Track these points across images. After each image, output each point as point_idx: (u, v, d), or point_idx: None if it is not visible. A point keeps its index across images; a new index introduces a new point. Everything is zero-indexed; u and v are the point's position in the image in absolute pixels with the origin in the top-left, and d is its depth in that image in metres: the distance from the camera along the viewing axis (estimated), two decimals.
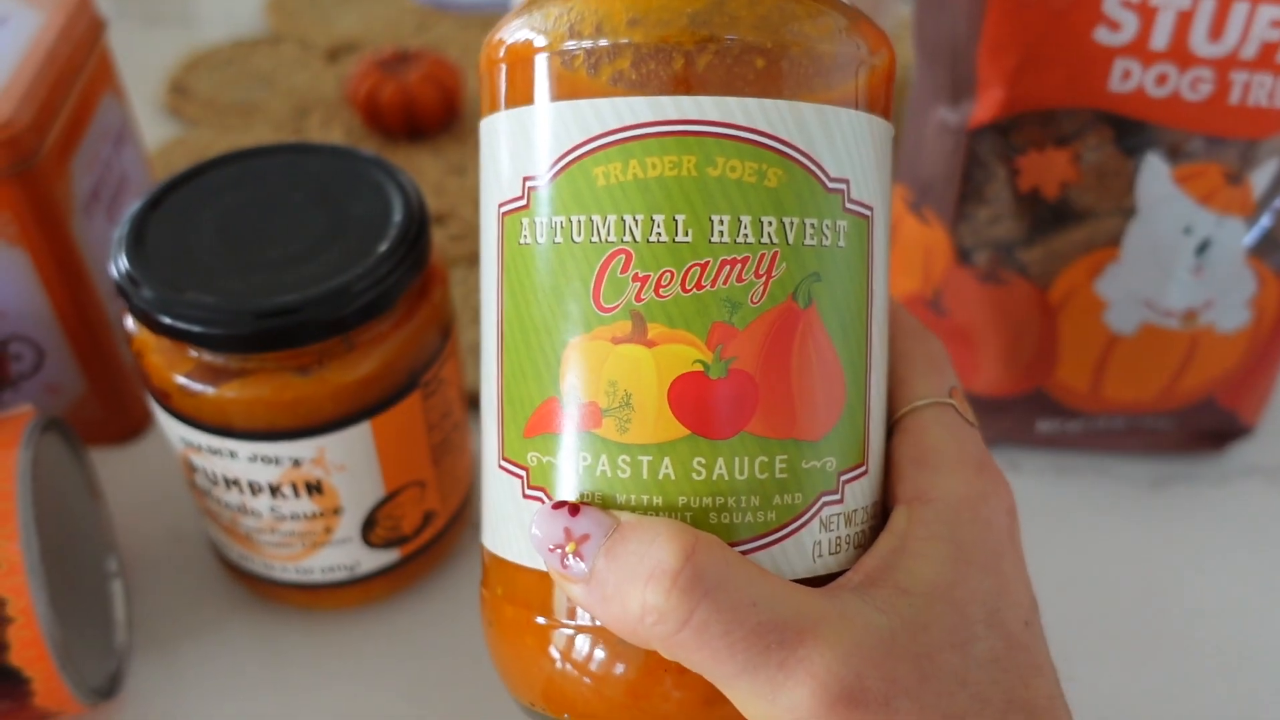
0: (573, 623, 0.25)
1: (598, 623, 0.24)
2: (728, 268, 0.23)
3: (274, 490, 0.33)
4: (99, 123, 0.41)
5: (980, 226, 0.39)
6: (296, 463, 0.32)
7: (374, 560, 0.36)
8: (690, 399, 0.23)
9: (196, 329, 0.29)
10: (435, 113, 0.58)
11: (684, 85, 0.23)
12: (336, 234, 0.31)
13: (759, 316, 0.24)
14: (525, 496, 0.25)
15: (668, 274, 0.23)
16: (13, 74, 0.36)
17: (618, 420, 0.24)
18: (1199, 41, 0.34)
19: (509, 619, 0.26)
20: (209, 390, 0.31)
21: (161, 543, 0.40)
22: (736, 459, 0.24)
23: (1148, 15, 0.33)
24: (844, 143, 0.24)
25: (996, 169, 0.37)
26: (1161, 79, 0.34)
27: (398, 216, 0.32)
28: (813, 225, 0.24)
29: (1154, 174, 0.36)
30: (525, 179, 0.25)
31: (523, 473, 0.25)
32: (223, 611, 0.38)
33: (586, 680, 0.25)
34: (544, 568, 0.24)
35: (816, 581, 0.24)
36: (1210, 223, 0.37)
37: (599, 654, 0.25)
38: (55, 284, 0.38)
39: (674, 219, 0.23)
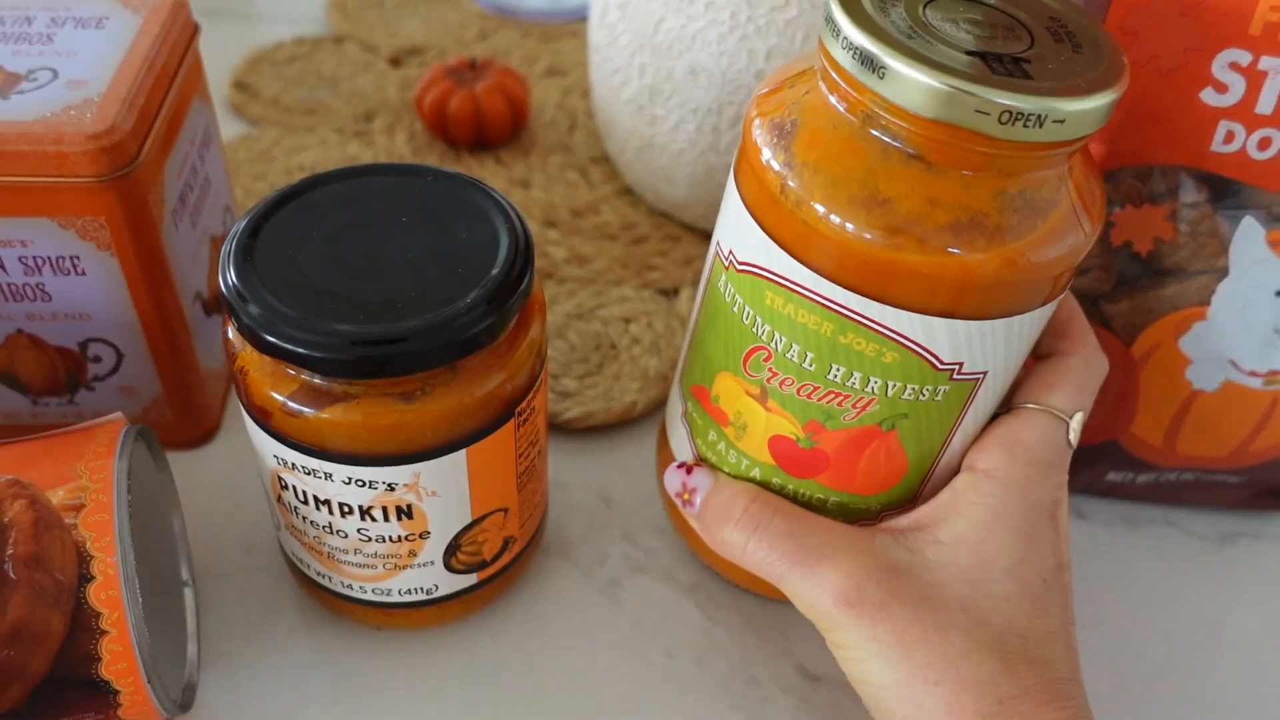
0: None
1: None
2: (832, 395, 0.31)
3: (365, 513, 0.33)
4: (189, 127, 0.41)
5: None
6: (391, 487, 0.32)
7: (452, 584, 0.36)
8: (781, 451, 0.34)
9: (303, 351, 0.29)
10: (502, 124, 0.58)
11: (840, 278, 0.29)
12: (444, 259, 0.31)
13: (846, 427, 0.32)
14: (681, 419, 0.38)
15: (790, 380, 0.32)
16: (113, 78, 0.36)
17: (736, 430, 0.35)
18: None
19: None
20: (311, 412, 0.30)
21: (230, 552, 0.40)
22: (802, 490, 0.34)
23: (1256, 79, 0.33)
24: (967, 339, 0.30)
25: None
26: (1264, 143, 0.34)
27: (504, 243, 0.32)
28: (913, 389, 0.31)
29: (1249, 236, 0.36)
30: (731, 250, 0.32)
31: (682, 405, 0.37)
32: (293, 625, 0.38)
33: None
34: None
35: None
36: None
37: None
38: (141, 289, 0.38)
39: (805, 353, 0.31)
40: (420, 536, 0.34)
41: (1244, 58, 0.33)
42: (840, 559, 0.31)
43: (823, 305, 0.30)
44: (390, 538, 0.33)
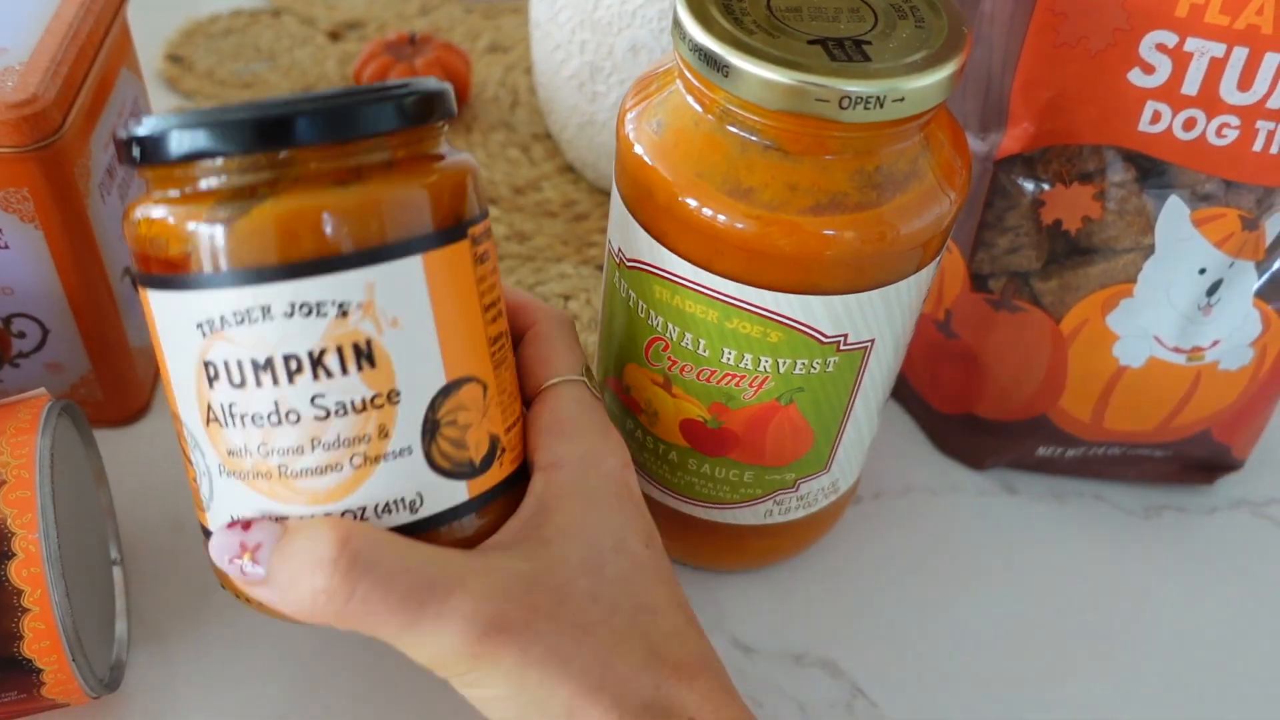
0: None
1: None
2: (729, 377, 0.33)
3: (317, 364, 0.26)
4: (117, 98, 0.40)
5: (998, 254, 0.39)
6: (343, 311, 0.26)
7: (439, 496, 0.29)
8: (692, 433, 0.35)
9: (229, 121, 0.25)
10: None
11: (716, 267, 0.30)
12: None
13: (747, 405, 0.33)
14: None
15: (689, 367, 0.33)
16: (36, 46, 0.35)
17: (649, 418, 0.36)
18: (1228, 89, 0.34)
19: None
20: (239, 216, 0.25)
21: (161, 530, 0.40)
22: (717, 468, 0.36)
23: (1182, 61, 0.34)
24: (846, 312, 0.31)
25: (1019, 199, 0.38)
26: (1190, 123, 0.35)
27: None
28: (803, 364, 0.32)
29: (1174, 215, 0.37)
30: (620, 248, 0.33)
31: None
32: (226, 602, 0.38)
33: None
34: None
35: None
36: (1223, 265, 0.38)
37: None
38: (67, 263, 0.37)
39: (698, 341, 0.32)
40: (389, 400, 0.27)
41: (1170, 39, 0.33)
42: (471, 584, 0.27)
43: (705, 294, 0.31)
44: (353, 404, 0.27)
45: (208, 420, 0.27)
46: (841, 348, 0.32)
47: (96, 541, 0.36)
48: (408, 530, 0.28)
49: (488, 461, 0.30)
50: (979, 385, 0.43)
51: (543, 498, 0.30)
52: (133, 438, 0.43)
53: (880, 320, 0.32)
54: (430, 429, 0.28)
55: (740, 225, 0.29)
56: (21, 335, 0.39)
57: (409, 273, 0.27)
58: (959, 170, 0.31)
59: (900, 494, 0.44)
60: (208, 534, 0.29)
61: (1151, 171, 0.36)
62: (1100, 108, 0.35)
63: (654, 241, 0.31)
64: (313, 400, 0.27)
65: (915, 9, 0.30)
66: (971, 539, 0.43)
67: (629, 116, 0.32)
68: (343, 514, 0.28)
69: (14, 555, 0.30)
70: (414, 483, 0.28)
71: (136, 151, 0.26)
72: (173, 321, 0.27)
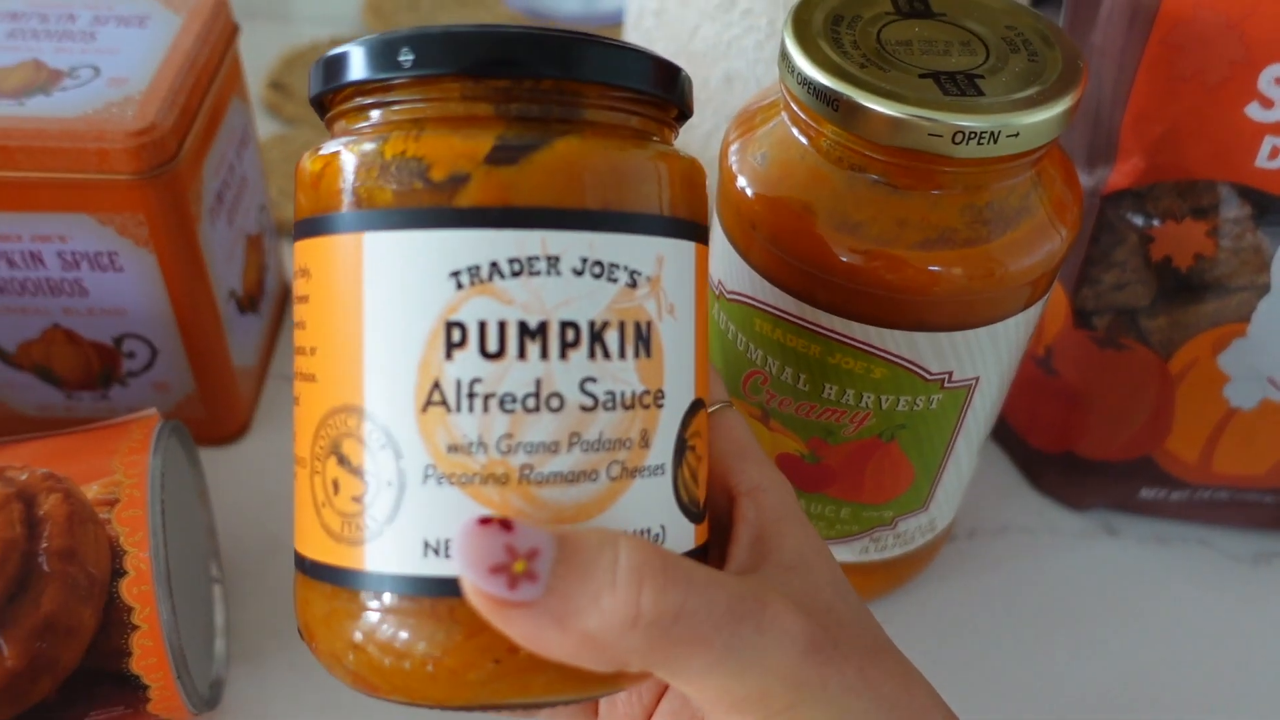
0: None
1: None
2: (829, 412, 0.32)
3: (596, 339, 0.22)
4: (228, 126, 0.41)
5: (1104, 291, 0.38)
6: (633, 281, 0.22)
7: (676, 536, 0.24)
8: (789, 469, 0.34)
9: (572, 54, 0.22)
10: None
11: (819, 301, 0.30)
12: None
13: (847, 441, 0.33)
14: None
15: (788, 401, 0.33)
16: (154, 77, 0.36)
17: None
18: None
19: None
20: (543, 146, 0.21)
21: (259, 550, 0.41)
22: (814, 504, 0.35)
23: None
24: (952, 349, 0.30)
25: (1128, 235, 0.37)
26: None
27: None
28: (906, 400, 0.31)
29: None
30: (720, 280, 0.33)
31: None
32: None
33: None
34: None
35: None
36: None
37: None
38: (177, 285, 0.38)
39: (798, 375, 0.32)
40: (656, 401, 0.23)
41: None
42: (777, 595, 0.22)
43: (808, 329, 0.30)
44: (623, 398, 0.22)
45: (427, 404, 0.21)
46: (946, 385, 0.31)
47: (199, 560, 0.37)
48: None
49: (705, 508, 0.25)
50: (1080, 423, 0.42)
51: (758, 523, 0.26)
52: (233, 457, 0.44)
53: (986, 358, 0.31)
54: (680, 450, 0.24)
55: (846, 259, 0.29)
56: (132, 355, 0.40)
57: (687, 258, 0.24)
58: (1070, 206, 0.30)
59: (996, 533, 0.43)
60: (342, 575, 0.22)
61: (1269, 208, 0.35)
62: (1215, 142, 0.34)
63: (755, 274, 0.31)
64: (582, 385, 0.22)
65: (1028, 41, 0.30)
66: (1069, 582, 0.42)
67: (732, 149, 0.32)
68: None
69: (125, 573, 0.30)
70: (661, 512, 0.23)
71: (442, 57, 0.21)
72: (404, 271, 0.21)
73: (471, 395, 0.21)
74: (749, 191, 0.31)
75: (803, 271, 0.30)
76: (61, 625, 0.30)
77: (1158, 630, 0.40)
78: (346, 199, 0.22)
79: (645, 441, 0.22)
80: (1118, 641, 0.40)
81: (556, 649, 0.20)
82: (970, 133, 0.27)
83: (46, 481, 0.31)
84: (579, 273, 0.21)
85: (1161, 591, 0.42)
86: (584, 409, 0.22)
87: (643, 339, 0.22)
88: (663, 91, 0.23)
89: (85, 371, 0.41)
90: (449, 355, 0.21)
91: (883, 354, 0.30)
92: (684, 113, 0.25)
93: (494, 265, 0.21)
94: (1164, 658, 0.40)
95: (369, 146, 0.22)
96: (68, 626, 0.30)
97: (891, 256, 0.28)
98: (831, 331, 0.30)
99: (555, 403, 0.21)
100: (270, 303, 0.48)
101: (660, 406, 0.23)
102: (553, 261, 0.21)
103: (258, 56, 0.65)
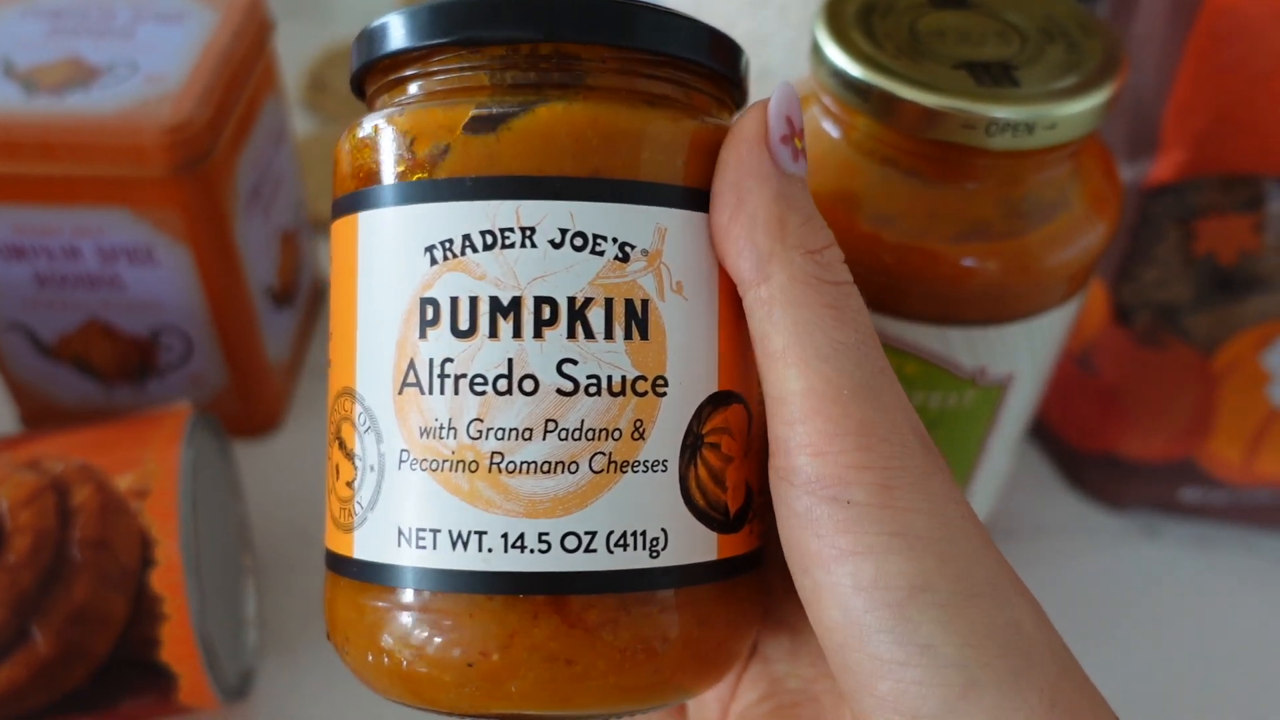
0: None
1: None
2: None
3: (576, 316, 0.20)
4: (263, 123, 0.41)
5: (1145, 287, 0.38)
6: (624, 254, 0.20)
7: (685, 544, 0.21)
8: None
9: (535, 12, 0.20)
10: None
11: None
12: None
13: None
14: None
15: None
16: (190, 73, 0.37)
17: None
18: None
19: None
20: (522, 113, 0.20)
21: (291, 542, 0.41)
22: None
23: None
24: (986, 345, 0.29)
25: (1169, 230, 0.36)
26: None
27: None
28: (938, 397, 0.31)
29: None
30: None
31: None
32: None
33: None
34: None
35: None
36: None
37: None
38: (213, 280, 0.39)
39: None
40: (654, 389, 0.21)
41: None
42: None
43: None
44: (610, 383, 0.20)
45: (403, 385, 0.20)
46: (980, 382, 0.31)
47: (230, 551, 0.37)
48: (637, 582, 0.21)
49: (741, 517, 0.22)
50: (1119, 422, 0.41)
51: None
52: (266, 450, 0.44)
53: (1021, 354, 0.30)
54: (692, 446, 0.21)
55: (878, 253, 0.28)
56: (168, 348, 0.41)
57: (699, 232, 0.21)
58: (1110, 199, 0.30)
59: (1033, 534, 0.43)
60: (340, 562, 0.22)
61: None
62: (1260, 135, 0.34)
63: None
64: (559, 366, 0.20)
65: (1066, 31, 0.29)
66: (1108, 584, 0.41)
67: None
68: (565, 536, 0.20)
69: (155, 563, 0.31)
70: (662, 514, 0.21)
71: (426, 28, 0.21)
72: (387, 250, 0.21)
73: (443, 376, 0.20)
74: None
75: None
76: (93, 614, 0.30)
77: (1199, 636, 0.40)
78: (349, 182, 0.22)
79: (639, 433, 0.21)
80: (1157, 647, 0.39)
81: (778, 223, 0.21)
82: (1005, 124, 0.26)
83: (81, 473, 0.32)
84: (557, 245, 0.20)
85: (1203, 596, 0.41)
86: (561, 393, 0.20)
87: (636, 319, 0.21)
88: (674, 50, 0.21)
89: (122, 364, 0.41)
90: (423, 334, 0.20)
91: (914, 349, 0.30)
92: (730, 79, 0.23)
93: (466, 238, 0.20)
94: (1205, 664, 0.39)
95: (367, 126, 0.21)
96: (100, 615, 0.30)
97: (924, 250, 0.28)
98: None
99: (529, 385, 0.20)
100: (304, 297, 0.48)
101: (660, 395, 0.21)
102: (527, 233, 0.20)
103: (298, 54, 0.66)
